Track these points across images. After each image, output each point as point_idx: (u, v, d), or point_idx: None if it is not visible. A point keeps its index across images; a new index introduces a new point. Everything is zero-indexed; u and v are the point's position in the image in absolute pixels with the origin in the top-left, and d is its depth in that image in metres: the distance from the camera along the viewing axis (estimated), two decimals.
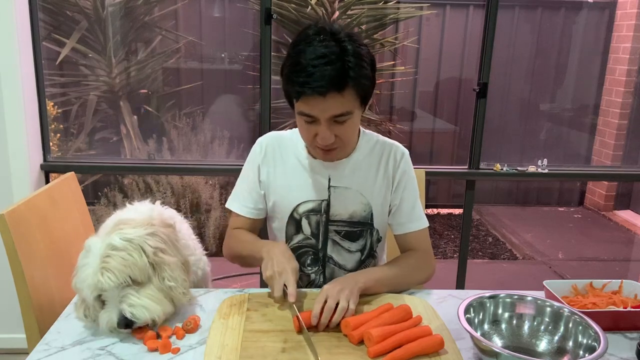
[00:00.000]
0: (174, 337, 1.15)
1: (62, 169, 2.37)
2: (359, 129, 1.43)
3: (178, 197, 3.45)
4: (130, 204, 1.39)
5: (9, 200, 2.28)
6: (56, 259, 1.48)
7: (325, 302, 1.16)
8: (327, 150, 1.31)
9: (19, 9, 2.21)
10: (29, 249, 1.37)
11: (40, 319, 1.35)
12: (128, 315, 1.13)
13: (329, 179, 1.41)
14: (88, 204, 1.77)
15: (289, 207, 1.43)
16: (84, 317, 1.19)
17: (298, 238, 1.45)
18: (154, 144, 3.41)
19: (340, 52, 1.20)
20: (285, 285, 1.21)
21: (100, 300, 1.16)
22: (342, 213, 1.42)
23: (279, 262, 1.24)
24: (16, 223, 1.33)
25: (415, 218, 1.46)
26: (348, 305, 1.17)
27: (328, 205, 1.42)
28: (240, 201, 1.48)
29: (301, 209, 1.42)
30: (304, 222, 1.43)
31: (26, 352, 1.13)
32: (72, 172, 1.73)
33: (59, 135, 3.24)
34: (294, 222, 1.44)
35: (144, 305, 1.14)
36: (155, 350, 1.10)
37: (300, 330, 1.15)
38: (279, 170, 1.44)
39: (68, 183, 1.68)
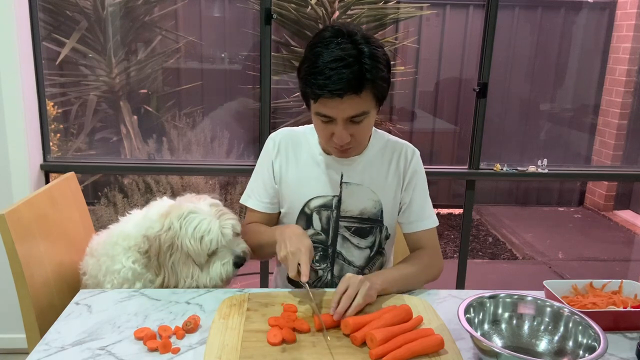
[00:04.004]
0: (174, 337, 1.15)
1: (62, 169, 2.37)
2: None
3: (178, 197, 3.44)
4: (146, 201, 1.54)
5: (9, 200, 2.28)
6: (56, 259, 1.48)
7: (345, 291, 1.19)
8: (343, 149, 1.33)
9: (19, 9, 2.21)
10: (29, 249, 1.37)
11: (40, 319, 1.35)
12: (248, 253, 1.41)
13: (342, 175, 1.43)
14: (88, 204, 1.77)
15: (300, 202, 1.45)
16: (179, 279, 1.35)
17: (308, 233, 1.46)
18: (154, 144, 3.40)
19: (357, 54, 1.21)
20: (299, 264, 1.22)
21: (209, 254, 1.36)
22: (353, 209, 1.44)
23: (292, 242, 1.25)
24: (16, 223, 1.33)
25: (425, 216, 1.48)
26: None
27: (339, 201, 1.43)
28: (256, 197, 1.49)
29: (312, 204, 1.44)
30: (315, 217, 1.45)
31: (26, 352, 1.13)
32: (72, 172, 1.74)
33: (59, 135, 3.24)
34: (305, 217, 1.45)
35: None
36: (155, 350, 1.10)
37: (320, 329, 1.15)
38: (291, 165, 1.46)
39: (68, 183, 1.68)
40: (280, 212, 1.53)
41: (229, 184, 3.69)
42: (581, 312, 1.13)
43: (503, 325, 1.17)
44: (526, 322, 1.17)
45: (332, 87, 1.20)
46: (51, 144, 2.47)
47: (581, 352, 1.06)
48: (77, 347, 1.11)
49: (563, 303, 1.19)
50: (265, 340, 1.11)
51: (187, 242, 1.32)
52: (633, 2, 4.00)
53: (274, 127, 2.23)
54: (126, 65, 3.29)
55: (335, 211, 1.44)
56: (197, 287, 1.37)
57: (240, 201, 1.53)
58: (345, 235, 1.46)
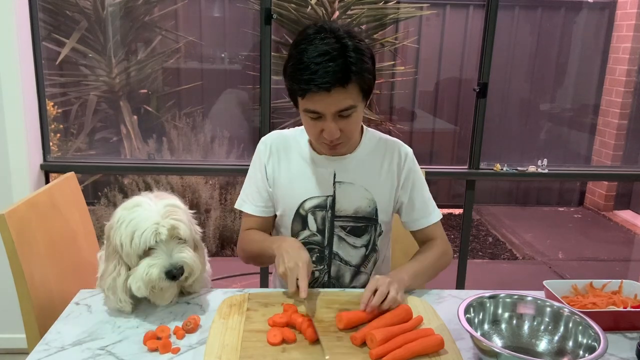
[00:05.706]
0: (174, 337, 1.15)
1: (62, 169, 2.37)
2: (362, 126, 1.46)
3: (178, 197, 3.45)
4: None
5: (9, 200, 2.28)
6: (56, 259, 1.48)
7: (376, 291, 1.21)
8: (333, 145, 1.34)
9: (19, 9, 2.21)
10: (29, 249, 1.36)
11: (40, 319, 1.34)
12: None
13: (334, 175, 1.43)
14: (88, 204, 1.77)
15: (295, 204, 1.44)
16: (112, 286, 1.21)
17: (304, 234, 1.46)
18: (154, 144, 3.41)
19: (341, 48, 1.23)
20: (297, 279, 1.22)
21: (140, 256, 1.20)
22: (347, 208, 1.44)
23: (290, 256, 1.25)
24: (16, 223, 1.33)
25: (429, 212, 1.50)
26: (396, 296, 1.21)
27: (333, 200, 1.43)
28: (251, 201, 1.49)
29: (307, 205, 1.44)
30: (310, 219, 1.44)
31: (26, 352, 1.13)
32: (72, 172, 1.73)
33: (59, 135, 3.24)
34: (300, 219, 1.45)
35: (195, 259, 1.22)
36: (155, 350, 1.10)
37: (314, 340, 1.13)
38: (283, 167, 1.46)
39: (68, 183, 1.68)
40: (275, 215, 1.53)
41: (229, 184, 3.70)
42: (581, 312, 1.13)
43: (503, 325, 1.17)
44: (526, 322, 1.17)
45: (318, 81, 1.21)
46: (51, 144, 2.47)
47: (581, 352, 1.06)
48: (77, 347, 1.11)
49: (563, 303, 1.19)
50: (265, 340, 1.11)
51: (119, 237, 1.18)
52: (633, 2, 4.00)
53: (273, 127, 2.23)
54: (126, 65, 3.29)
55: (330, 211, 1.44)
56: (111, 292, 1.22)
57: (235, 206, 1.52)
58: (340, 235, 1.46)
